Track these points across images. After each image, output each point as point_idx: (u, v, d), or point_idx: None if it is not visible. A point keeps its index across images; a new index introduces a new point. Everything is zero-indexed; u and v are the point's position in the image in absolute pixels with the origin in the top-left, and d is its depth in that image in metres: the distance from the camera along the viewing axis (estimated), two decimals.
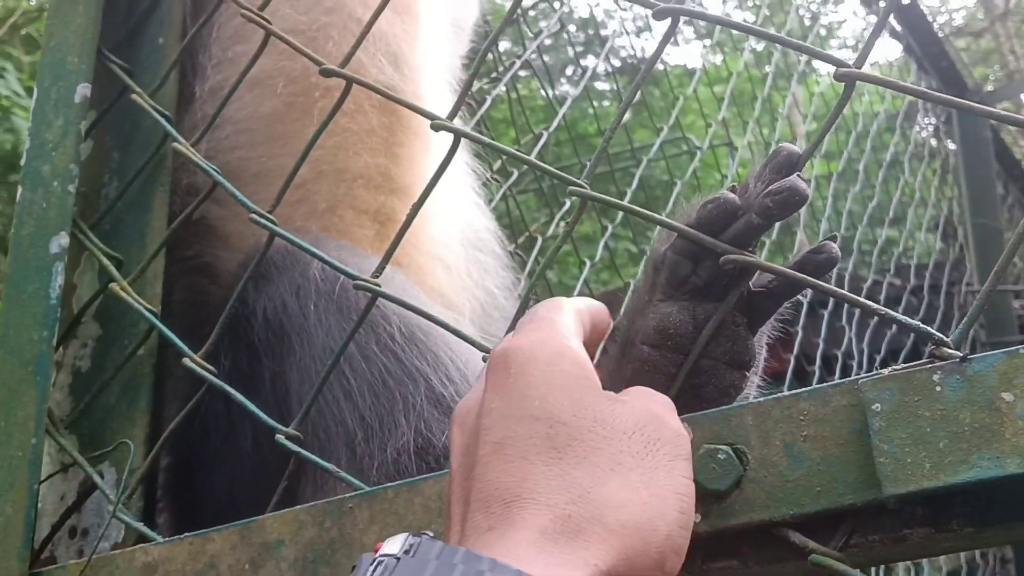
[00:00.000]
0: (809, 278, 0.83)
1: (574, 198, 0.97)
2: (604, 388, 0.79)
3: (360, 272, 1.05)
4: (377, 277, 1.03)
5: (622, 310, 0.99)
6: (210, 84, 1.34)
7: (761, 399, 0.80)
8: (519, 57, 2.49)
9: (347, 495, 0.95)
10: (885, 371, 0.75)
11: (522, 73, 2.91)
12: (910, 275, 4.14)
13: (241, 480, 1.24)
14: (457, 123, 1.23)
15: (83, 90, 1.30)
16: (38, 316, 1.24)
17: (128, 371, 1.27)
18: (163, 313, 1.29)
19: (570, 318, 0.80)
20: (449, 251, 1.48)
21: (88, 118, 1.34)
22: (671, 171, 3.90)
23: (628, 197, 2.79)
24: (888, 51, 5.23)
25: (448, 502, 0.76)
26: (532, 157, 2.30)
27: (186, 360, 1.14)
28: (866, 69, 0.83)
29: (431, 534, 0.69)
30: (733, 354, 0.87)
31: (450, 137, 1.03)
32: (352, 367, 1.13)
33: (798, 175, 0.83)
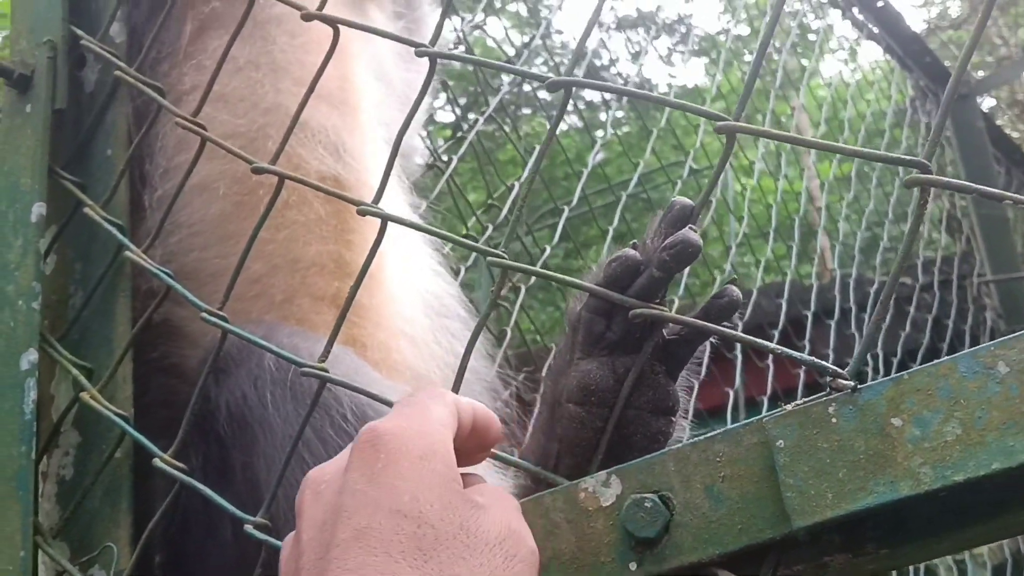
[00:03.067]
0: (713, 325, 0.87)
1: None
2: (536, 448, 0.82)
3: (312, 357, 1.09)
4: (323, 361, 1.06)
5: (544, 372, 1.03)
6: (159, 193, 1.39)
7: (679, 445, 0.84)
8: (517, 95, 2.53)
9: None
10: (788, 407, 0.78)
11: (526, 111, 2.96)
12: (918, 273, 4.13)
13: (227, 572, 1.27)
14: (400, 199, 1.27)
15: (38, 209, 1.36)
16: (15, 432, 1.28)
17: (108, 475, 1.31)
18: (137, 415, 1.33)
19: (447, 412, 0.80)
20: (413, 324, 1.52)
21: (49, 233, 1.40)
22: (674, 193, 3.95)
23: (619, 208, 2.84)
24: (870, 54, 5.26)
25: (287, 571, 0.77)
26: (514, 202, 2.35)
27: (156, 460, 1.18)
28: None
29: None
30: (656, 402, 0.91)
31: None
32: (311, 451, 1.17)
33: (691, 227, 0.87)
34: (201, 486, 1.13)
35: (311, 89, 1.13)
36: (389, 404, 1.05)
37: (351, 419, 1.19)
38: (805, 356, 0.79)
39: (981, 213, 4.20)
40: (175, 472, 1.17)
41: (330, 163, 1.46)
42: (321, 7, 1.15)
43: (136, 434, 1.23)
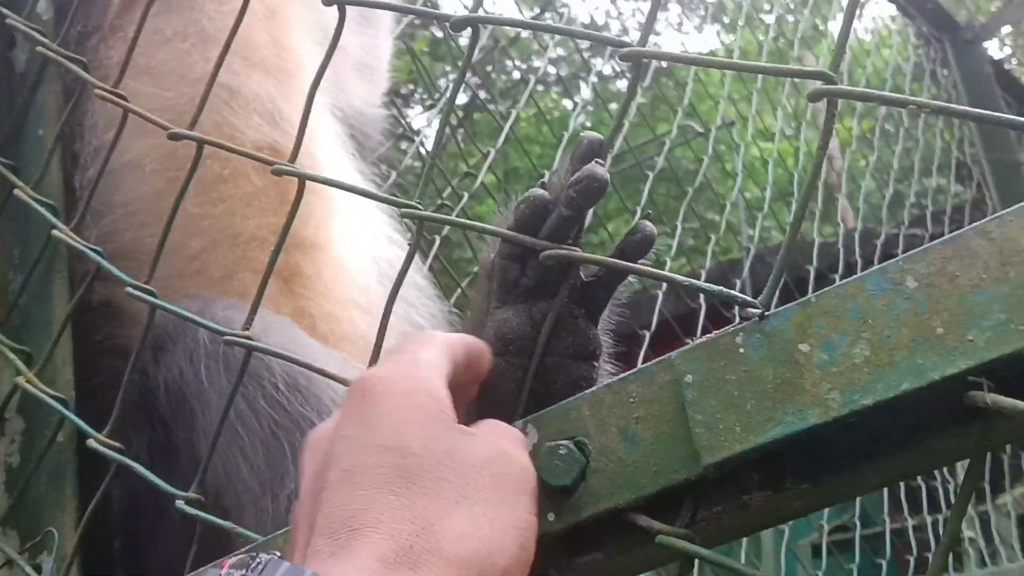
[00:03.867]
0: (630, 264, 0.83)
1: None
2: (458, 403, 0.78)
3: (250, 329, 1.05)
4: (248, 329, 1.03)
5: (463, 324, 1.00)
6: (90, 172, 1.36)
7: (593, 388, 0.80)
8: (533, 72, 2.50)
9: (247, 548, 0.95)
10: (702, 339, 0.74)
11: (539, 88, 2.93)
12: (927, 223, 4.08)
13: (177, 553, 1.24)
14: (346, 166, 1.22)
15: None
16: None
17: (51, 460, 1.28)
18: (85, 398, 1.31)
19: (436, 353, 0.80)
20: (366, 292, 1.48)
21: None
22: (696, 156, 3.91)
23: (648, 185, 2.80)
24: (881, 9, 5.18)
25: (294, 526, 0.76)
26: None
27: (90, 441, 1.15)
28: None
29: (279, 554, 0.70)
30: (576, 347, 0.87)
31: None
32: (244, 424, 1.14)
33: (597, 161, 0.83)
34: (135, 464, 1.10)
35: (223, 54, 1.09)
36: (318, 371, 1.02)
37: (282, 388, 1.16)
38: (712, 287, 0.75)
39: (992, 159, 4.13)
40: (110, 452, 1.13)
41: (266, 131, 1.42)
42: None
43: (72, 416, 1.21)
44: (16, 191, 1.32)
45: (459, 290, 2.14)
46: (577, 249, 0.84)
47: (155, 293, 1.13)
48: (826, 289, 0.69)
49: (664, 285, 2.84)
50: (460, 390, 0.81)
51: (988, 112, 0.68)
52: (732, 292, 0.74)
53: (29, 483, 1.28)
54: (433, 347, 0.80)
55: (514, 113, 2.44)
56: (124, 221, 1.39)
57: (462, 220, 0.93)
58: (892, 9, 4.29)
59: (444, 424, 0.74)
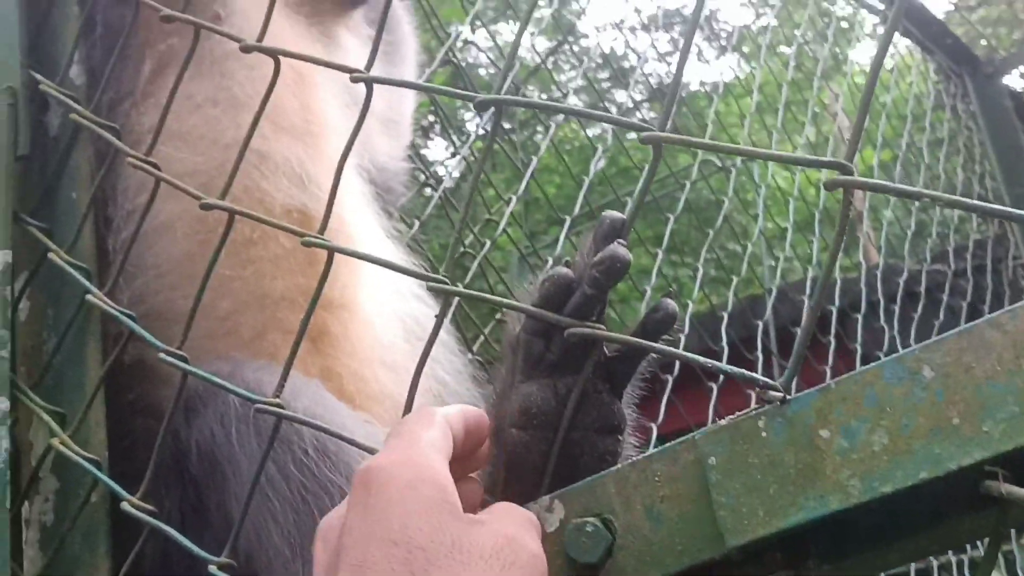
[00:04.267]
0: (652, 344, 0.84)
1: None
2: (483, 475, 0.80)
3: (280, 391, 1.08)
4: (279, 395, 1.05)
5: (489, 395, 1.02)
6: (123, 235, 1.39)
7: (619, 466, 0.81)
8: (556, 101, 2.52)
9: None
10: (722, 421, 0.76)
11: (559, 118, 2.96)
12: (950, 259, 4.06)
13: None
14: (372, 225, 1.25)
15: (4, 257, 1.36)
16: None
17: (85, 520, 1.30)
18: (119, 457, 1.33)
19: (436, 432, 0.81)
20: (392, 351, 1.50)
21: (21, 279, 1.40)
22: (717, 185, 3.92)
23: (669, 228, 2.83)
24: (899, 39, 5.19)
25: None
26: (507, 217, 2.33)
27: (124, 504, 1.17)
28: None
29: None
30: (601, 421, 0.89)
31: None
32: (275, 488, 1.16)
33: (619, 241, 0.85)
34: (166, 527, 1.12)
35: (255, 121, 1.12)
36: (347, 440, 1.04)
37: (312, 454, 1.18)
38: (734, 369, 0.77)
39: (1014, 194, 4.13)
40: (142, 515, 1.16)
41: (295, 194, 1.45)
42: (260, 38, 1.14)
43: (105, 478, 1.23)
44: (50, 254, 1.35)
45: (482, 338, 2.16)
46: (601, 326, 0.86)
47: (187, 359, 1.15)
48: (845, 376, 0.71)
49: (687, 327, 2.86)
50: (464, 461, 0.83)
51: None
52: (753, 375, 0.75)
53: (63, 542, 1.30)
54: (433, 427, 0.81)
55: (534, 161, 2.46)
56: (156, 282, 1.42)
57: (489, 296, 0.95)
58: (909, 42, 4.29)
59: (449, 514, 0.74)
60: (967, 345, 0.66)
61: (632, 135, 0.89)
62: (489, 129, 0.95)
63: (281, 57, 1.14)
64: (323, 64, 1.15)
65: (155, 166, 1.23)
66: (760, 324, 3.28)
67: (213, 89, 1.47)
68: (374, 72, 1.07)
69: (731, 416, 0.76)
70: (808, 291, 3.48)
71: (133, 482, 1.21)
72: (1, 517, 1.26)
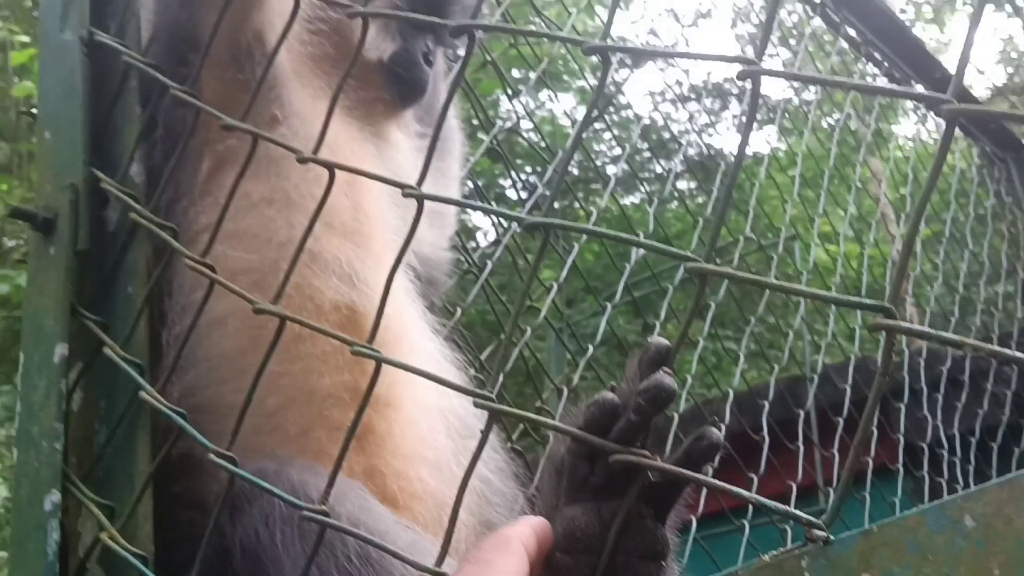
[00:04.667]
0: (697, 475, 0.86)
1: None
2: None
3: (320, 494, 1.09)
4: (324, 502, 1.07)
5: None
6: (176, 330, 1.42)
7: None
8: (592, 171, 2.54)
9: None
10: (766, 557, 0.77)
11: (595, 186, 2.99)
12: (994, 344, 4.03)
13: None
14: (418, 323, 1.27)
15: (61, 350, 1.40)
16: (39, 574, 1.30)
17: None
18: (163, 549, 1.35)
19: (514, 561, 0.82)
20: (435, 448, 1.52)
21: (75, 371, 1.43)
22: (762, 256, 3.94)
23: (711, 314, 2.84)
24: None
25: None
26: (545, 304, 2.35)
27: None
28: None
29: None
30: (645, 546, 0.90)
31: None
32: None
33: (664, 370, 0.86)
34: None
35: (311, 224, 1.16)
36: (390, 552, 1.05)
37: (355, 560, 1.19)
38: (778, 506, 0.78)
39: None
40: None
41: (344, 292, 1.48)
42: (316, 149, 1.17)
43: (152, 574, 1.25)
44: (105, 348, 1.38)
45: (522, 427, 2.18)
46: (646, 453, 0.87)
47: (235, 460, 1.18)
48: (888, 521, 0.72)
49: (727, 415, 2.86)
50: (536, 570, 0.84)
51: None
52: (796, 512, 0.77)
53: None
54: (510, 554, 0.82)
55: (576, 247, 2.49)
56: (206, 377, 1.45)
57: (536, 417, 0.96)
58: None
59: None
60: (1008, 496, 0.67)
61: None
62: (547, 241, 0.98)
63: (333, 159, 1.18)
64: (376, 178, 1.18)
65: (210, 267, 1.27)
66: (801, 413, 3.27)
67: (268, 190, 1.51)
68: (419, 167, 1.11)
69: (774, 553, 0.77)
70: (850, 379, 3.45)
71: (177, 573, 1.23)
72: None
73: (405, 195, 1.07)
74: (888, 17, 3.91)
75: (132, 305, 1.43)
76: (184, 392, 1.41)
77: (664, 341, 0.89)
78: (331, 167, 1.16)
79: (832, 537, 0.74)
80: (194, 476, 1.41)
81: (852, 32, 3.76)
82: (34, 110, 1.59)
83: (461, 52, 2.28)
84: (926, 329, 0.74)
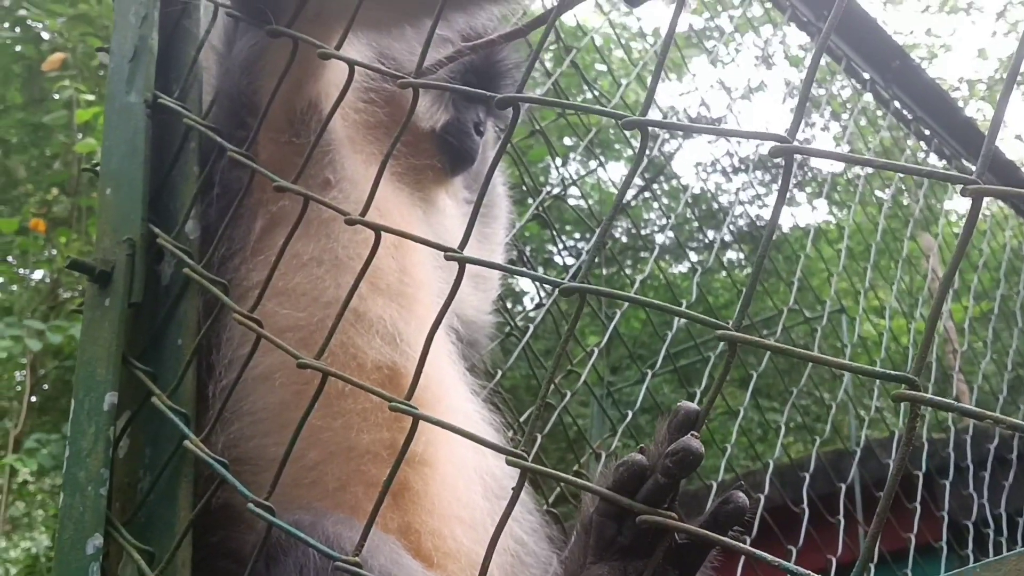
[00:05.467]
0: (722, 538, 0.87)
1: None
2: None
3: (354, 547, 1.12)
4: (357, 553, 1.09)
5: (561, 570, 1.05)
6: (223, 383, 1.46)
7: None
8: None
9: None
10: None
11: (643, 255, 3.03)
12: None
13: None
14: (458, 385, 1.30)
15: (111, 398, 1.44)
16: None
17: None
18: None
19: None
20: (470, 508, 1.54)
21: (123, 419, 1.48)
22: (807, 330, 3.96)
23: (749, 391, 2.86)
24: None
25: None
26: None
27: None
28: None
29: None
30: None
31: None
32: None
33: (693, 434, 0.88)
34: None
35: (355, 285, 1.20)
36: None
37: None
38: (801, 570, 0.79)
39: None
40: None
41: (387, 352, 1.52)
42: (364, 212, 1.22)
43: None
44: (153, 398, 1.43)
45: (558, 489, 2.19)
46: (673, 515, 0.89)
47: (274, 511, 1.21)
48: None
49: (767, 486, 2.86)
50: None
51: None
52: None
53: None
54: None
55: (618, 314, 2.52)
56: (250, 429, 1.48)
57: (565, 476, 0.98)
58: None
59: None
60: None
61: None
62: (583, 304, 1.01)
63: (381, 222, 1.22)
64: (420, 241, 1.22)
65: (258, 322, 1.31)
66: (843, 487, 3.24)
67: (318, 250, 1.55)
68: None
69: None
70: (893, 454, 3.43)
71: None
72: None
73: (447, 258, 1.11)
74: (938, 94, 3.94)
75: (181, 357, 1.48)
76: (228, 443, 1.45)
77: (693, 406, 0.91)
78: (378, 229, 1.20)
79: None
80: (232, 526, 1.44)
81: (902, 108, 3.79)
82: (97, 167, 1.65)
83: None
84: (948, 401, 0.76)
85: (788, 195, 0.97)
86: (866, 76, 3.61)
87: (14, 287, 9.33)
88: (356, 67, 1.30)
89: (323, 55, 1.34)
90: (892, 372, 0.77)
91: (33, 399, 8.84)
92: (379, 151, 1.71)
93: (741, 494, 0.89)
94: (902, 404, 0.77)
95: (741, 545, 0.88)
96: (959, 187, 0.81)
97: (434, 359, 1.57)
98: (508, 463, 0.99)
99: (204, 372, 1.48)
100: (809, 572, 0.78)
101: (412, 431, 1.11)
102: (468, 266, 1.96)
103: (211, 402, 1.46)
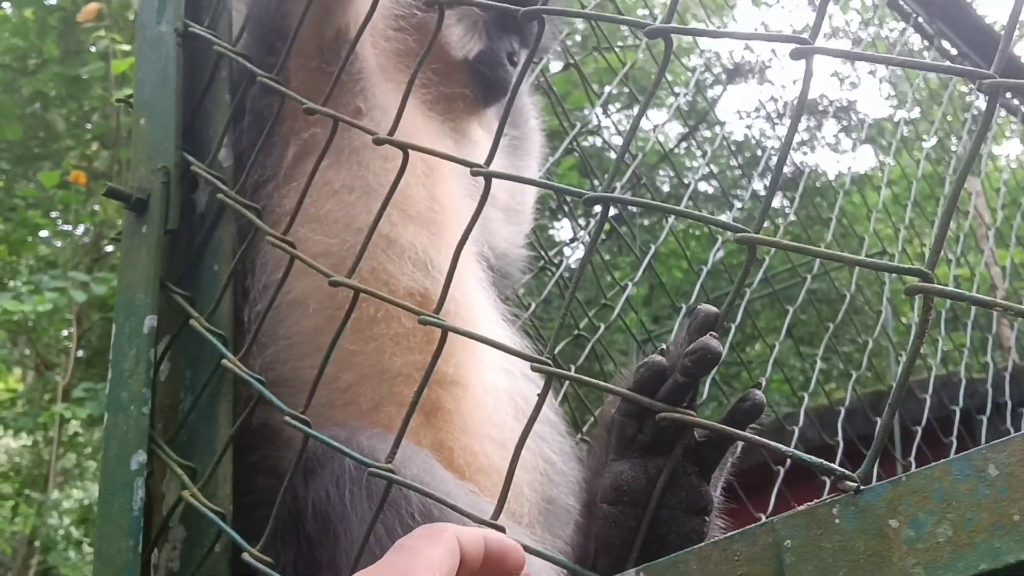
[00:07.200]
0: (738, 431, 0.89)
1: None
2: (574, 546, 0.86)
3: (392, 460, 1.15)
4: (390, 462, 1.13)
5: (584, 471, 1.07)
6: (258, 307, 1.50)
7: (702, 544, 0.86)
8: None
9: None
10: (800, 507, 0.81)
11: (689, 203, 3.03)
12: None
13: None
14: (488, 310, 1.33)
15: (150, 322, 1.48)
16: (124, 527, 1.39)
17: (208, 567, 1.39)
18: (240, 513, 1.42)
19: (443, 550, 0.83)
20: (501, 428, 1.57)
21: (163, 343, 1.52)
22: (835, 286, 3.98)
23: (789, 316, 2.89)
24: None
25: None
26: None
27: (245, 555, 1.26)
28: None
29: None
30: (689, 502, 0.94)
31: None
32: (382, 548, 1.20)
33: (712, 334, 0.90)
34: None
35: (382, 208, 1.22)
36: (450, 506, 1.10)
37: (417, 517, 1.25)
38: (812, 459, 0.81)
39: None
40: (261, 566, 1.24)
41: (419, 278, 1.54)
42: (392, 131, 1.24)
43: (229, 530, 1.32)
44: (192, 321, 1.46)
45: (592, 419, 2.22)
46: (692, 412, 0.91)
47: (310, 423, 1.24)
48: (915, 471, 0.75)
49: (801, 420, 2.87)
50: None
51: None
52: (831, 465, 0.80)
53: None
54: (440, 544, 0.83)
55: (652, 249, 2.53)
56: (286, 352, 1.52)
57: (585, 378, 1.01)
58: None
59: None
60: None
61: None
62: (607, 217, 1.02)
63: (411, 150, 1.24)
64: (445, 157, 1.24)
65: (291, 245, 1.34)
66: (879, 420, 3.24)
67: (350, 177, 1.58)
68: (497, 165, 1.16)
69: (809, 503, 0.80)
70: (930, 389, 3.43)
71: (253, 536, 1.30)
72: (132, 561, 1.36)
73: (474, 174, 1.13)
74: (983, 30, 3.88)
75: (217, 281, 1.51)
76: (264, 366, 1.48)
77: (712, 308, 0.93)
78: (405, 147, 1.22)
79: (862, 487, 0.77)
80: (270, 444, 1.48)
81: (948, 45, 3.74)
82: (131, 98, 1.68)
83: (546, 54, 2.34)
84: (961, 291, 0.77)
85: (834, 142, 0.98)
86: (909, 11, 3.56)
87: (58, 242, 9.46)
88: None
89: None
90: (906, 266, 0.78)
91: (80, 353, 8.99)
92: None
93: (758, 392, 0.91)
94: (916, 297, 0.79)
95: (760, 439, 0.90)
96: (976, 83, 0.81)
97: (465, 285, 1.60)
98: (532, 369, 1.02)
99: (240, 297, 1.52)
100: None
101: (441, 344, 1.14)
102: (501, 200, 1.99)
103: (247, 326, 1.49)
